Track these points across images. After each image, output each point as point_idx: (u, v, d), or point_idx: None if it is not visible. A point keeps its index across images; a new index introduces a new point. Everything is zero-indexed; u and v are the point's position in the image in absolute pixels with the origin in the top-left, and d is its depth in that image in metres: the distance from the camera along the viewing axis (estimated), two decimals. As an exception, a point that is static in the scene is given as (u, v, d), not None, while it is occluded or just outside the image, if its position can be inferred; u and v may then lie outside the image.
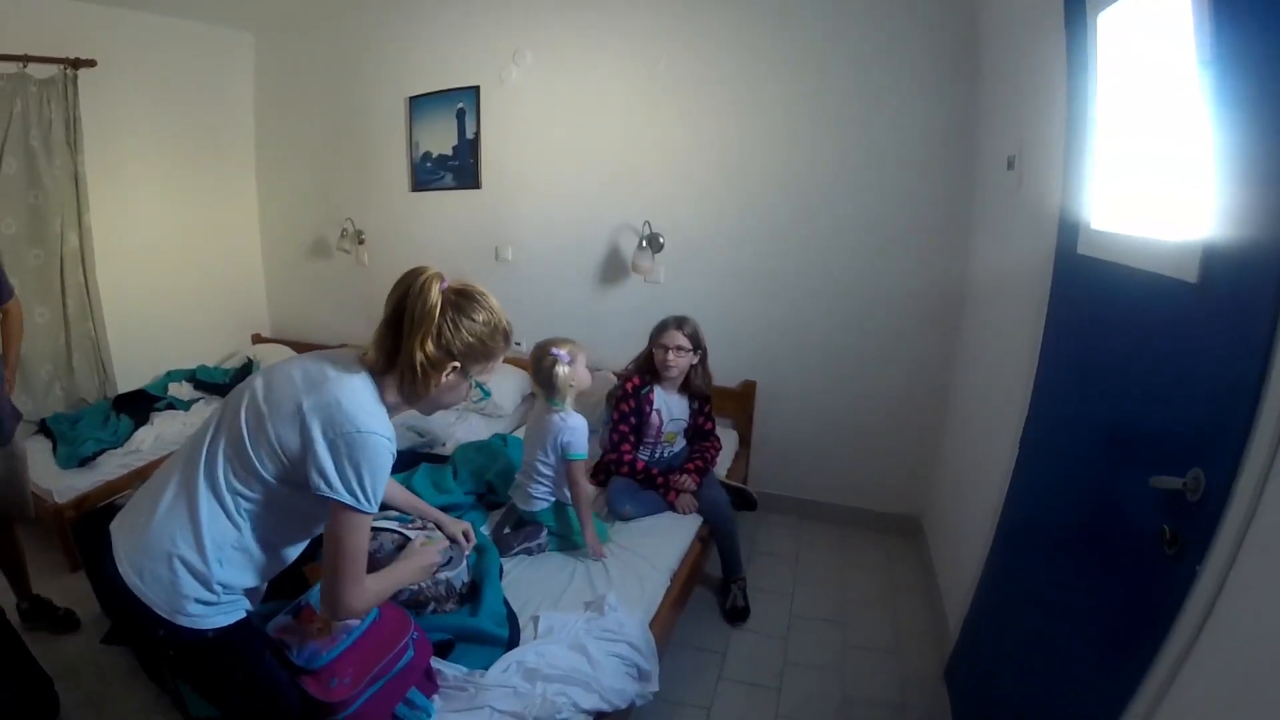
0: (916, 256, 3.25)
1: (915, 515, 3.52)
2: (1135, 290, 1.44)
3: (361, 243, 4.32)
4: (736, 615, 2.83)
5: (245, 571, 1.45)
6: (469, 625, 1.92)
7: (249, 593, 1.51)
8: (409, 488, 2.63)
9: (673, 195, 3.58)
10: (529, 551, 2.40)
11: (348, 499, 1.34)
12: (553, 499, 2.47)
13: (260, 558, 1.47)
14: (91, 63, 3.57)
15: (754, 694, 2.48)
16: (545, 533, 2.43)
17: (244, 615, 1.45)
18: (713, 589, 2.98)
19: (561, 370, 2.38)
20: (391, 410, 1.50)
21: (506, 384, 3.77)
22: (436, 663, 1.82)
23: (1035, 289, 2.05)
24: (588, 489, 2.45)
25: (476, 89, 3.86)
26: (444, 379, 1.49)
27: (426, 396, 1.52)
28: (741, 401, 3.60)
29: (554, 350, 2.40)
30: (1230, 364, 1.07)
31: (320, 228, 4.49)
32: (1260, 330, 0.99)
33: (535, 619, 2.03)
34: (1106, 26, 1.62)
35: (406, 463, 2.96)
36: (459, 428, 3.45)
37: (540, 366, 2.42)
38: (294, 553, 1.60)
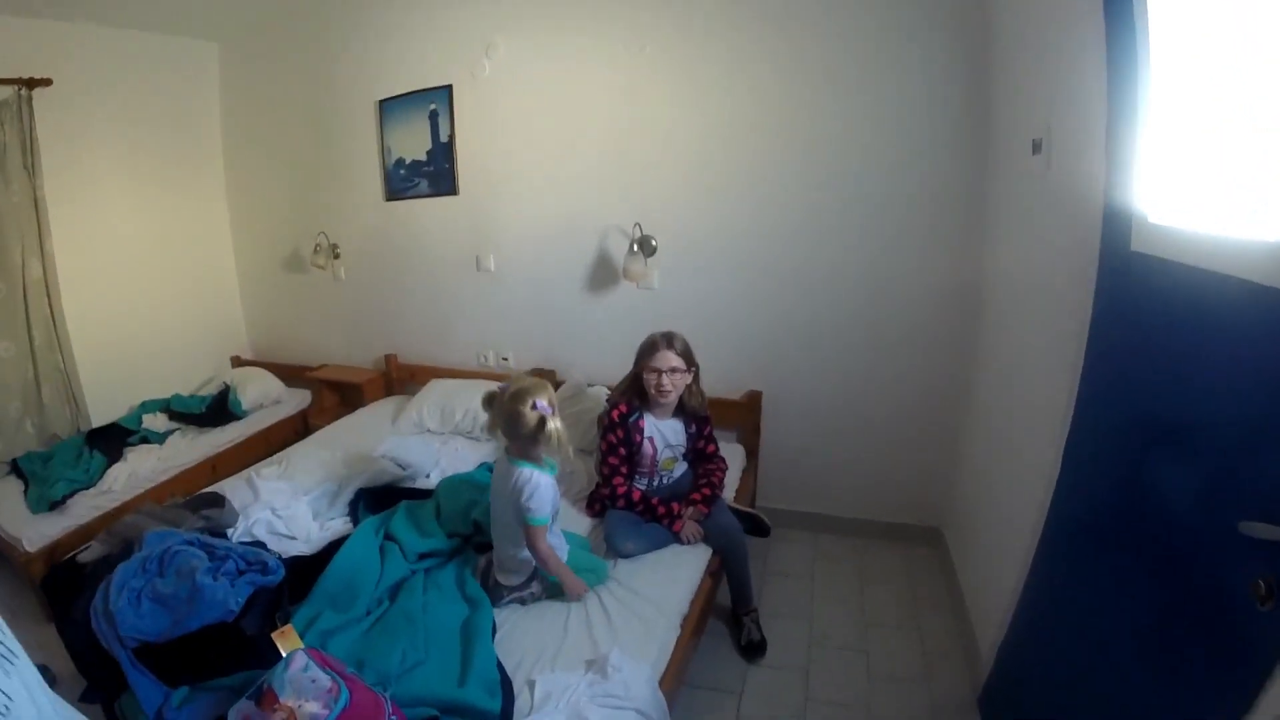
0: (930, 250, 3.02)
1: (936, 526, 3.32)
2: (1214, 296, 1.23)
3: (337, 257, 4.11)
4: (753, 650, 2.63)
5: None
6: (457, 698, 1.73)
7: None
8: (389, 532, 2.46)
9: (665, 193, 3.35)
10: (522, 601, 2.20)
11: None
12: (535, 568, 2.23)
13: None
14: (47, 81, 3.35)
15: (775, 739, 2.30)
16: (536, 578, 2.23)
17: None
18: (723, 619, 2.78)
19: (554, 427, 2.07)
20: None
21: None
22: (420, 747, 1.64)
23: (1074, 288, 1.83)
24: (548, 550, 2.16)
25: (449, 88, 3.63)
26: None
27: None
28: (746, 413, 3.39)
29: (538, 402, 2.08)
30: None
31: (294, 242, 4.27)
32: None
33: (531, 684, 1.83)
34: None
35: (387, 500, 2.76)
36: (443, 455, 3.24)
37: (518, 421, 2.09)
38: None
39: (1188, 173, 1.40)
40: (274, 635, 1.80)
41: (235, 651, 1.90)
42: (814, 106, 3.05)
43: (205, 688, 1.78)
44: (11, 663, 0.62)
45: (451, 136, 3.69)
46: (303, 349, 4.39)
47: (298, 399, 4.17)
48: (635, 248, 3.29)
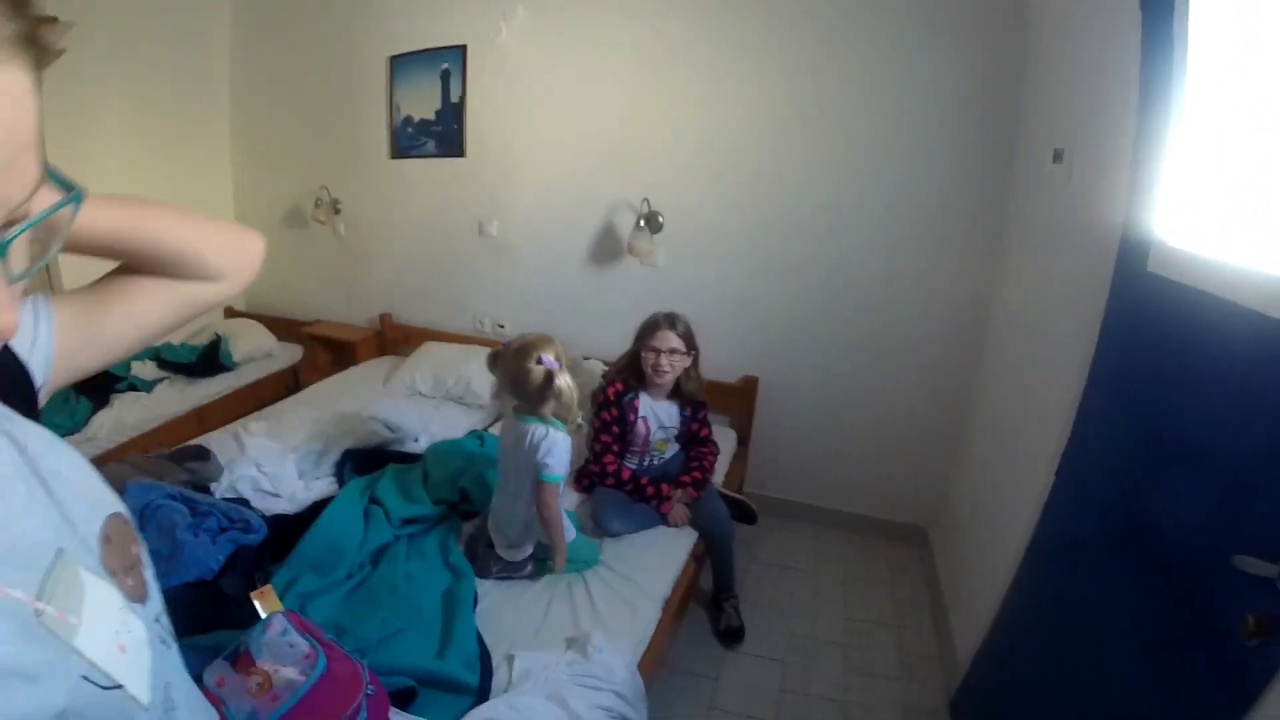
0: (942, 254, 2.99)
1: (921, 526, 3.32)
2: (1228, 328, 1.21)
3: (338, 212, 4.03)
4: (731, 636, 2.63)
5: None
6: (435, 670, 1.72)
7: None
8: (374, 495, 2.43)
9: (677, 172, 3.29)
10: (511, 578, 2.18)
11: None
12: (539, 540, 2.19)
13: None
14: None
15: (749, 727, 2.30)
16: (533, 559, 2.20)
17: None
18: (703, 604, 2.78)
19: (562, 383, 2.04)
20: None
21: (482, 368, 3.46)
22: (395, 716, 1.63)
23: (1085, 302, 1.81)
24: (559, 512, 2.12)
25: (463, 49, 3.54)
26: None
27: None
28: (741, 398, 3.36)
29: (543, 357, 2.04)
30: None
31: (295, 196, 4.18)
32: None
33: (510, 659, 1.82)
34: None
35: (374, 463, 2.73)
36: (434, 420, 3.20)
37: (526, 379, 2.04)
38: None
39: (1210, 198, 1.37)
40: (253, 595, 1.77)
41: (213, 610, 1.88)
42: (834, 101, 3.01)
43: (181, 645, 1.75)
44: (168, 645, 0.62)
45: (462, 98, 3.62)
46: (297, 304, 4.32)
47: (289, 354, 4.12)
48: (642, 223, 3.25)
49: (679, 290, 3.30)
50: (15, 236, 0.45)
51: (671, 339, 2.57)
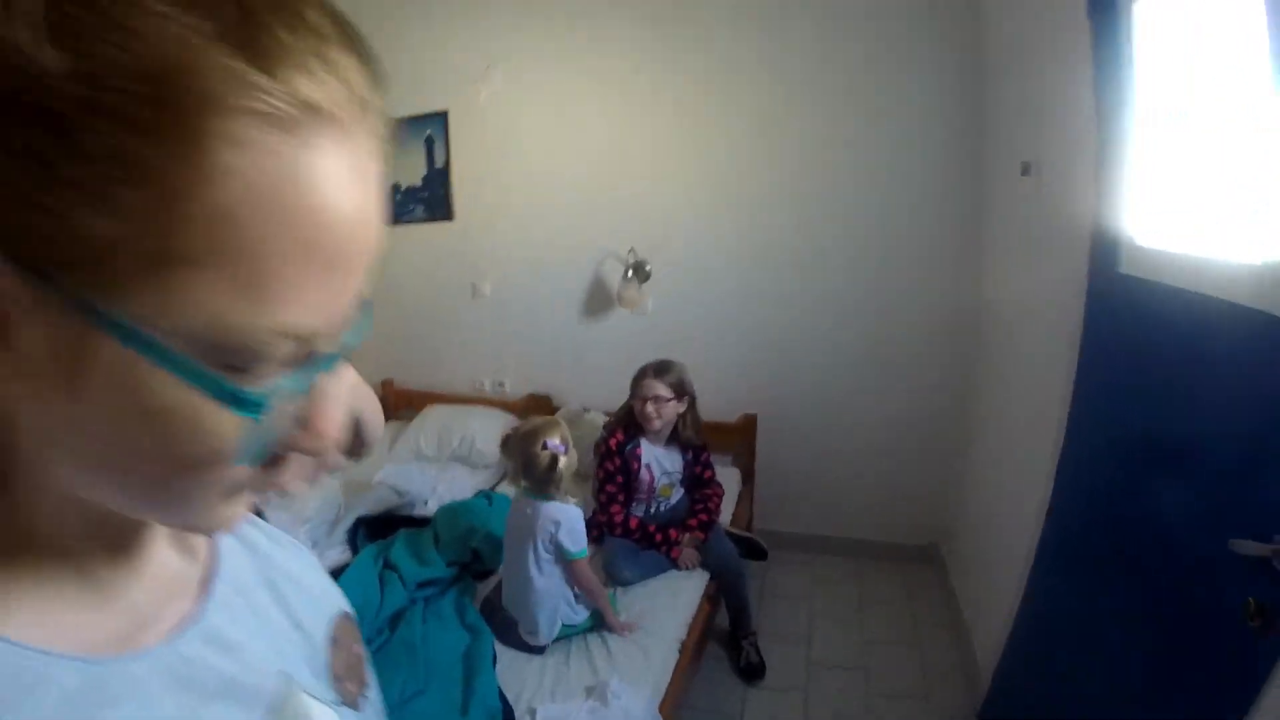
0: (926, 272, 3.07)
1: (933, 544, 3.33)
2: (1200, 318, 1.28)
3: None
4: (751, 673, 2.64)
5: None
6: (459, 728, 1.75)
7: None
8: (388, 560, 2.46)
9: (662, 218, 3.39)
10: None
11: None
12: (560, 623, 2.18)
13: None
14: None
15: (776, 762, 2.31)
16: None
17: None
18: (722, 642, 2.79)
19: (564, 464, 2.13)
20: None
21: (485, 427, 3.56)
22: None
23: (1065, 309, 1.88)
24: (596, 580, 2.20)
25: (444, 114, 3.67)
26: None
27: None
28: (742, 436, 3.41)
29: (549, 442, 2.12)
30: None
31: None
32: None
33: (532, 712, 1.85)
34: (1146, 14, 1.46)
35: (384, 527, 2.77)
36: (440, 482, 3.25)
37: (533, 462, 2.12)
38: None
39: (1174, 194, 1.45)
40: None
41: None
42: (809, 131, 3.11)
43: None
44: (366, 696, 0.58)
45: (447, 162, 3.73)
46: (301, 376, 4.39)
47: (297, 426, 4.17)
48: (630, 273, 3.33)
49: (671, 336, 3.36)
50: (330, 365, 0.37)
51: (656, 387, 2.63)
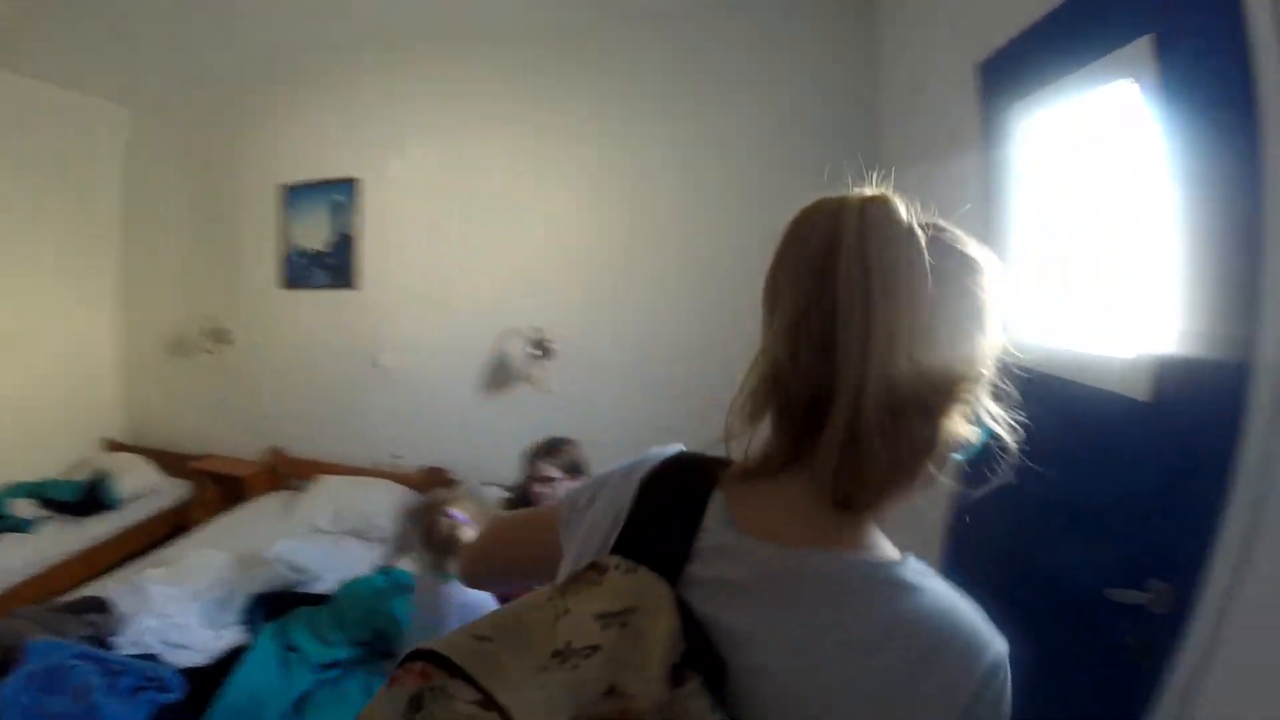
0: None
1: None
2: (1081, 401, 1.48)
3: (228, 342, 4.06)
4: None
5: None
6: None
7: None
8: (289, 640, 2.44)
9: (568, 296, 3.55)
10: None
11: None
12: None
13: None
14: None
15: None
16: None
17: None
18: None
19: (468, 535, 2.05)
20: None
21: (382, 500, 3.58)
22: None
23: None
24: None
25: (353, 182, 3.75)
26: None
27: None
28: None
29: (451, 511, 2.06)
30: (1187, 482, 1.15)
31: (183, 323, 4.18)
32: (1220, 448, 1.05)
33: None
34: (1030, 135, 1.73)
35: (284, 605, 2.74)
36: (336, 556, 3.22)
37: (432, 530, 2.05)
38: None
39: (1055, 297, 1.68)
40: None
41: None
42: (716, 218, 3.31)
43: None
44: None
45: (354, 231, 3.79)
46: (184, 436, 4.25)
47: (177, 490, 4.01)
48: (537, 350, 3.46)
49: (573, 413, 3.43)
50: None
51: (544, 468, 2.61)
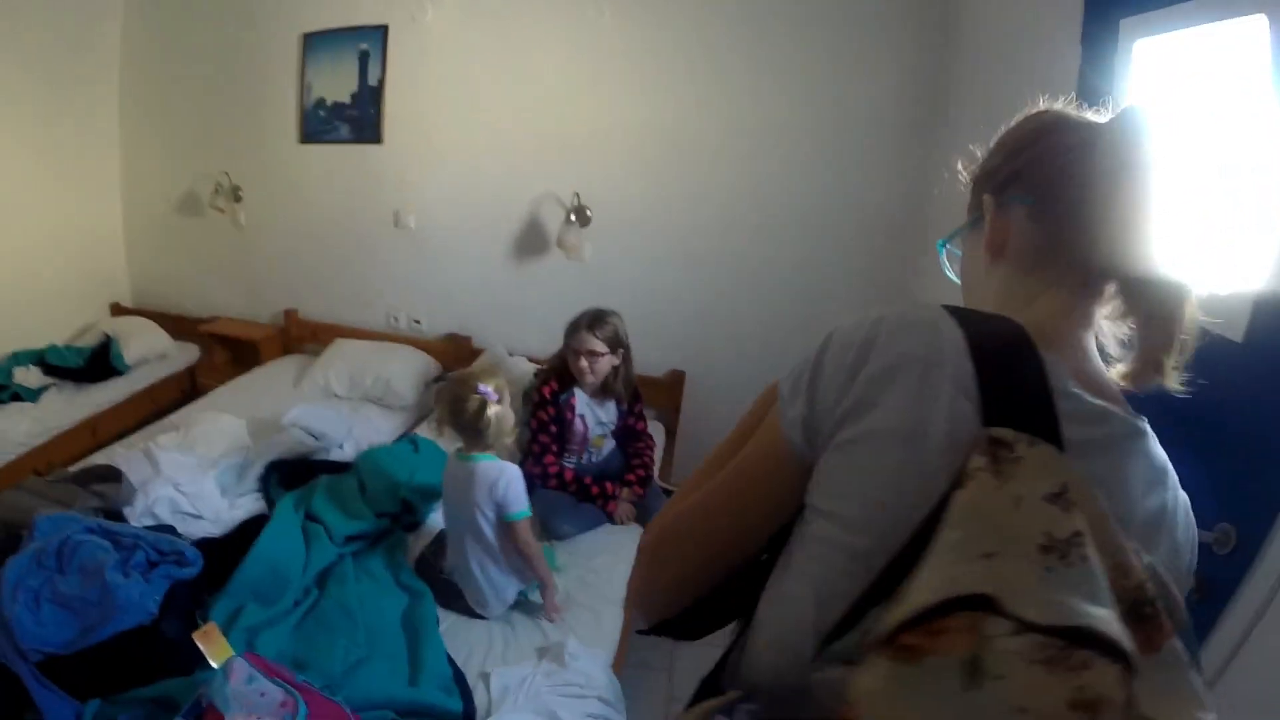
0: (867, 244, 3.10)
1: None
2: None
3: (239, 200, 3.75)
4: (680, 629, 2.68)
5: None
6: (413, 698, 1.67)
7: None
8: (310, 511, 2.30)
9: (607, 166, 3.26)
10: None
11: None
12: (511, 598, 2.07)
13: None
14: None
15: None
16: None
17: None
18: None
19: (494, 412, 1.96)
20: None
21: (402, 367, 3.41)
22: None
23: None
24: (537, 545, 2.06)
25: (384, 29, 3.36)
26: None
27: None
28: (668, 393, 3.39)
29: (480, 387, 1.96)
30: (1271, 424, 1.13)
31: (192, 180, 3.85)
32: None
33: (485, 677, 1.80)
34: (1144, 52, 1.48)
35: (302, 474, 2.58)
36: (355, 424, 3.05)
37: (462, 409, 1.96)
38: None
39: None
40: (196, 637, 1.64)
41: (153, 656, 1.72)
42: (763, 91, 3.05)
43: (121, 700, 1.59)
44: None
45: (381, 81, 3.44)
46: (191, 299, 4.02)
47: (186, 355, 3.83)
48: (572, 217, 3.20)
49: (605, 285, 3.27)
50: None
51: (590, 341, 2.52)
